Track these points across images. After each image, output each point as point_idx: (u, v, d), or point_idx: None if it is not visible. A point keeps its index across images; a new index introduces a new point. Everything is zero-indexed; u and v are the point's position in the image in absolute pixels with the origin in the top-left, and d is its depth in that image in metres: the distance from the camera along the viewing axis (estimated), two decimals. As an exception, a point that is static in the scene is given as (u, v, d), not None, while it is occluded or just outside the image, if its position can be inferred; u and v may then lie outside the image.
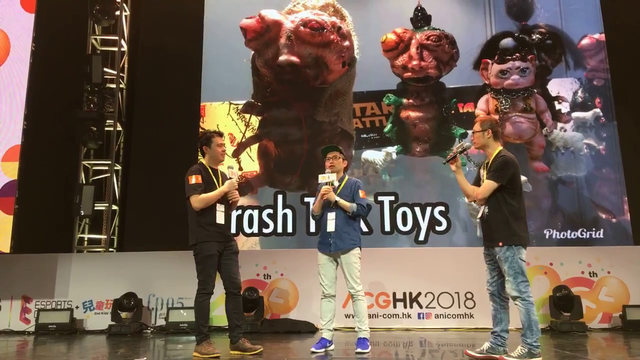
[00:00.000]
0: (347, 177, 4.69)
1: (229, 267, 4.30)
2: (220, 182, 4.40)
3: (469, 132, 7.46)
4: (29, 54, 6.96)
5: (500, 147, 3.96)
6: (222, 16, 8.12)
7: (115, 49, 8.16)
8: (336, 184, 4.56)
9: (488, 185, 3.80)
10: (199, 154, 4.70)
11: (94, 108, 7.56)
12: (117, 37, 8.16)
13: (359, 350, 4.30)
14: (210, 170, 4.41)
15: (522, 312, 3.69)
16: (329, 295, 4.45)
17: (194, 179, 4.27)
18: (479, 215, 3.94)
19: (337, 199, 4.47)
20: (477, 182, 4.03)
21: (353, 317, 4.64)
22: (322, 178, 4.52)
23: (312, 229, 7.16)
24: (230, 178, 4.37)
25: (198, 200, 4.22)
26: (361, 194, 4.57)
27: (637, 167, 7.20)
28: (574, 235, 7.13)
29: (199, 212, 4.25)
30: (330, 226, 4.46)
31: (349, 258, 4.43)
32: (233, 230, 6.93)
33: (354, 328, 4.68)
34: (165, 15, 8.24)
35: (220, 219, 4.27)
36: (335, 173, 4.55)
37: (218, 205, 4.28)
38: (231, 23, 7.97)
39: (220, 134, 4.53)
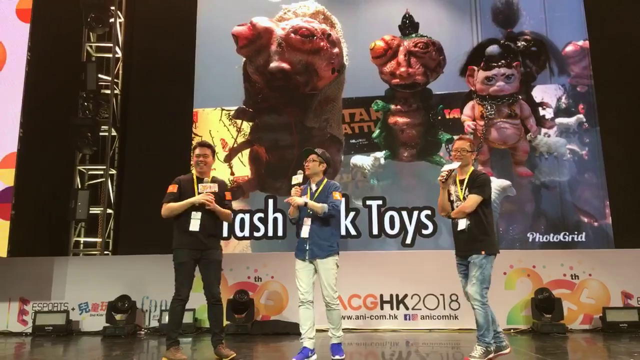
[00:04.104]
0: (325, 180, 4.50)
1: (205, 276, 4.40)
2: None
3: (455, 137, 7.62)
4: (25, 63, 7.10)
5: (472, 166, 4.26)
6: (214, 23, 8.25)
7: (110, 55, 8.30)
8: (314, 187, 4.44)
9: (475, 199, 4.04)
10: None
11: (89, 114, 7.68)
12: (111, 44, 8.30)
13: (336, 357, 4.24)
14: (195, 180, 4.49)
15: (481, 315, 3.96)
16: (307, 301, 4.28)
17: (170, 188, 4.46)
18: (460, 227, 4.12)
19: (307, 200, 4.29)
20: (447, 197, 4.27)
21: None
22: (293, 180, 4.41)
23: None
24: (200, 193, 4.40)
25: (164, 208, 4.39)
26: (334, 195, 4.38)
27: (618, 172, 7.37)
28: (557, 238, 7.30)
29: (175, 218, 4.39)
30: (304, 232, 4.32)
31: (326, 265, 4.29)
32: (225, 234, 7.08)
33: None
34: (158, 23, 8.39)
35: (194, 226, 4.33)
36: (306, 175, 4.43)
37: (193, 213, 4.35)
38: (223, 30, 8.10)
39: (202, 144, 4.59)
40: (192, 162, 4.65)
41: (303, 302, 4.30)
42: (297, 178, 4.39)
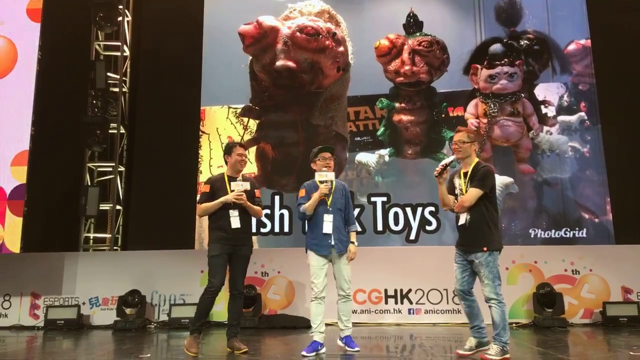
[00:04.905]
0: (334, 180, 4.64)
1: (232, 270, 4.60)
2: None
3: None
4: (36, 62, 7.21)
5: (477, 158, 4.22)
6: (221, 22, 8.34)
7: (118, 53, 8.40)
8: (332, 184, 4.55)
9: (474, 192, 3.99)
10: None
11: (98, 112, 7.80)
12: (119, 43, 8.40)
13: (356, 349, 4.44)
14: (226, 180, 4.63)
15: (498, 313, 3.94)
16: (321, 297, 4.40)
17: (203, 189, 4.68)
18: (461, 222, 4.12)
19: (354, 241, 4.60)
20: (450, 191, 4.27)
21: None
22: (320, 176, 4.46)
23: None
24: (233, 190, 4.54)
25: (199, 209, 4.65)
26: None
27: (619, 169, 7.44)
28: (558, 234, 7.39)
29: (210, 216, 4.60)
30: (328, 228, 4.43)
31: (345, 259, 4.51)
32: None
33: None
34: (165, 21, 8.47)
35: (235, 223, 4.51)
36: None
37: (231, 211, 4.52)
38: (230, 29, 8.19)
39: (242, 145, 4.80)
40: (227, 161, 4.71)
41: (317, 298, 4.41)
42: (329, 175, 4.47)
